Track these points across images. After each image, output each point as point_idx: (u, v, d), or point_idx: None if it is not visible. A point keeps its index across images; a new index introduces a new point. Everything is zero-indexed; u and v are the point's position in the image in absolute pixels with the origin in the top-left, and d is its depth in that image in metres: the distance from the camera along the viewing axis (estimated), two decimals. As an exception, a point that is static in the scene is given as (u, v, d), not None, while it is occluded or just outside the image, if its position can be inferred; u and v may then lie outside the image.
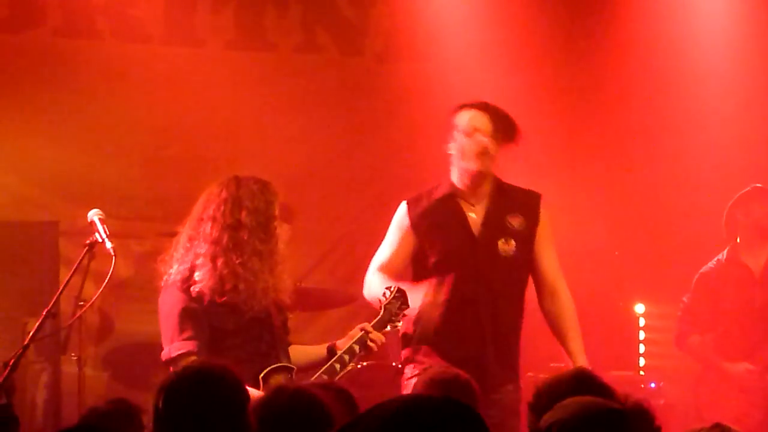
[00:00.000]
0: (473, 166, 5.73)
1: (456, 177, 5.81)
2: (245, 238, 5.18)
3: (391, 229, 5.87)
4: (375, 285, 5.70)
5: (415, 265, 5.82)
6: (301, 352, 5.45)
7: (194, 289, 5.12)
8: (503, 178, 5.93)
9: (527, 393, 6.69)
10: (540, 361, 7.57)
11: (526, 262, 5.83)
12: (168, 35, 8.23)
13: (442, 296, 5.62)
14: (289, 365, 5.24)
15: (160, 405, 3.54)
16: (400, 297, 5.51)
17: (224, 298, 5.13)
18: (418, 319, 5.65)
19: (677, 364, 7.82)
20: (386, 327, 5.45)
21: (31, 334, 5.36)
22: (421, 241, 5.78)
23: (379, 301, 5.49)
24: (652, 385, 7.85)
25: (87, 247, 5.45)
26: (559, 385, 3.47)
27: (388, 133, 8.64)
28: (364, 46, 8.82)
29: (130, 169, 8.14)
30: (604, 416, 2.93)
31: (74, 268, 5.45)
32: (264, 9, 8.51)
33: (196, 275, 5.14)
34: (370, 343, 5.34)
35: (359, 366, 6.76)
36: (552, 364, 7.50)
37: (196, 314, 5.12)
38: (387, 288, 5.52)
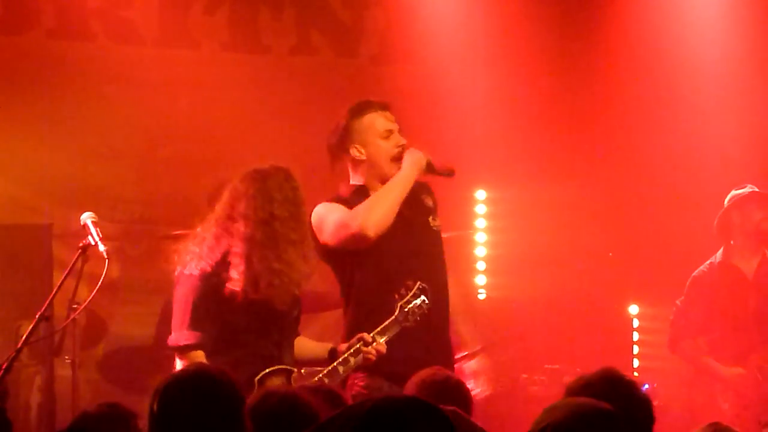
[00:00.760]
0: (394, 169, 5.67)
1: (368, 179, 5.72)
2: (279, 230, 5.19)
3: None
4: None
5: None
6: (306, 347, 5.46)
7: (229, 286, 5.13)
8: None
9: (522, 394, 6.70)
10: (533, 363, 7.60)
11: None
12: (162, 37, 8.22)
13: None
14: (289, 368, 5.24)
15: (156, 407, 3.53)
16: (420, 294, 5.42)
17: (257, 296, 5.14)
18: None
19: (671, 365, 7.83)
20: (397, 330, 5.36)
21: (24, 337, 5.36)
22: None
23: (396, 297, 5.42)
24: (646, 386, 7.85)
25: (80, 250, 5.46)
26: (592, 386, 3.49)
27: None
28: (359, 48, 8.83)
29: (124, 171, 8.13)
30: (597, 417, 2.94)
31: (68, 270, 5.46)
32: (258, 11, 8.51)
33: (232, 273, 5.14)
34: (367, 355, 5.29)
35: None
36: (546, 366, 7.53)
37: (209, 307, 5.15)
38: (405, 285, 5.43)
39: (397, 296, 5.40)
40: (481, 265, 8.72)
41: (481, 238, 8.76)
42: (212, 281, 5.17)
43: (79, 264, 5.45)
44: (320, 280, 8.44)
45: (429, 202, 5.81)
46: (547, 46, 8.73)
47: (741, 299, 7.26)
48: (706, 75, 8.58)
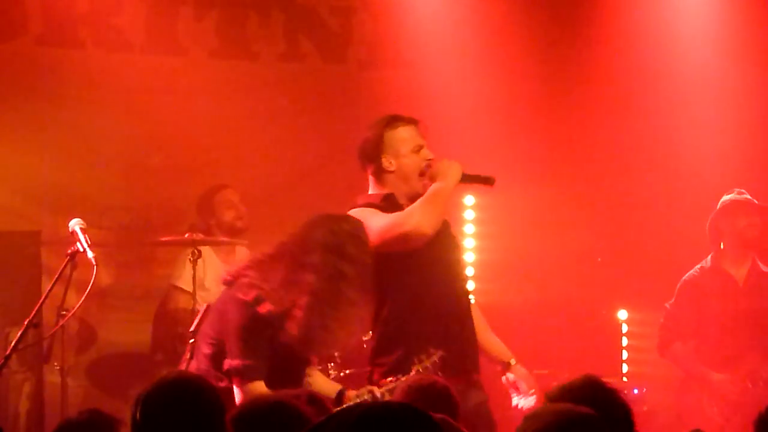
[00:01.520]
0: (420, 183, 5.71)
1: (398, 193, 5.72)
2: (343, 289, 5.20)
3: None
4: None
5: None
6: (316, 382, 5.49)
7: (285, 332, 5.16)
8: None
9: (510, 400, 6.69)
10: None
11: None
12: (150, 44, 8.21)
13: None
14: None
15: (138, 416, 3.54)
16: (439, 365, 5.34)
17: (305, 348, 5.25)
18: None
19: (660, 370, 7.84)
20: None
21: (13, 344, 5.36)
22: None
23: (415, 361, 5.36)
24: (635, 391, 7.86)
25: (69, 257, 5.45)
26: (572, 392, 3.49)
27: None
28: (347, 54, 8.83)
29: (112, 178, 8.13)
30: (577, 421, 2.94)
31: (56, 277, 5.46)
32: (246, 18, 8.51)
33: (290, 325, 5.16)
34: None
35: (341, 374, 6.76)
36: (535, 371, 7.51)
37: (262, 334, 5.17)
38: (427, 351, 5.37)
39: (415, 359, 5.37)
40: (469, 271, 8.72)
41: (470, 244, 8.77)
42: (274, 325, 5.18)
43: (67, 271, 5.45)
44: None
45: None
46: (534, 52, 8.74)
47: (731, 304, 7.27)
48: (695, 80, 8.59)
